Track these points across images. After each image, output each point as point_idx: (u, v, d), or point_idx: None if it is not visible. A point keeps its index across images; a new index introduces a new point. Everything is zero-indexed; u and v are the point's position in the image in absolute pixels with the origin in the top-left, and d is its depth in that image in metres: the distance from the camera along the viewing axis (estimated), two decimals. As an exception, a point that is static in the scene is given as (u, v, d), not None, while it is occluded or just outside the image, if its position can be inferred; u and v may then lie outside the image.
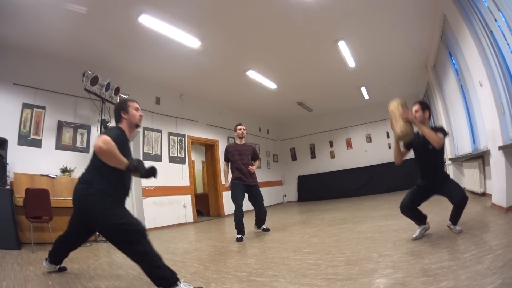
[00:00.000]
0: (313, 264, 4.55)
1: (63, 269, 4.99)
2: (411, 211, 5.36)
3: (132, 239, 3.90)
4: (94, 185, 4.02)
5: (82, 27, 8.17)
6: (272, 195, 19.70)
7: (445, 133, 5.11)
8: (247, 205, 8.17)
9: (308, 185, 20.63)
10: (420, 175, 5.49)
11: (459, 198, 5.00)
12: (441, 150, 5.20)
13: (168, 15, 8.01)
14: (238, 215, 7.68)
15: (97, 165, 4.03)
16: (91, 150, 9.24)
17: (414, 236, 5.24)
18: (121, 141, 4.13)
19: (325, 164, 20.60)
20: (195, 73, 11.92)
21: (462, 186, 10.80)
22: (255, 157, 8.57)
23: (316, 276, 3.94)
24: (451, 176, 11.68)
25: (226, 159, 8.44)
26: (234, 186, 8.04)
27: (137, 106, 4.64)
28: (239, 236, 7.50)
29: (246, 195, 8.19)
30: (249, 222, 8.48)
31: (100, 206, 3.95)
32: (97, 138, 3.84)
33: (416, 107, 5.41)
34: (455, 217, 5.19)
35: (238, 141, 8.49)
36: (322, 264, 4.48)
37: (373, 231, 6.48)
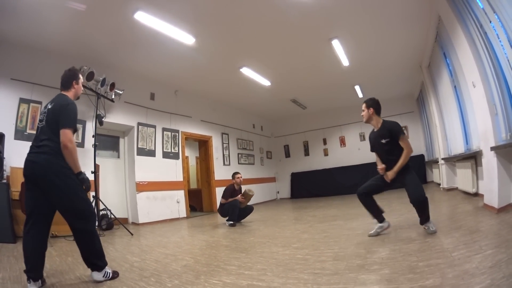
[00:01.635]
0: (301, 259, 4.60)
1: (44, 282, 4.10)
2: (365, 198, 5.80)
3: (90, 218, 4.25)
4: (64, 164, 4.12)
5: (79, 24, 8.18)
6: (265, 191, 19.75)
7: (403, 134, 5.56)
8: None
9: (301, 182, 20.66)
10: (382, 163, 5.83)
11: (415, 198, 5.26)
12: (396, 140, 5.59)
13: (164, 12, 8.02)
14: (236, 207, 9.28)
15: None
16: (86, 145, 9.31)
17: (370, 232, 5.65)
18: (76, 115, 4.41)
19: (318, 162, 20.62)
20: (189, 69, 11.93)
21: (455, 186, 10.85)
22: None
23: (303, 271, 4.00)
24: (444, 177, 11.78)
25: (226, 197, 9.92)
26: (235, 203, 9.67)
27: (82, 80, 4.99)
28: (232, 222, 8.91)
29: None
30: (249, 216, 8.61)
31: (74, 180, 4.15)
32: (65, 134, 4.05)
33: (362, 107, 5.94)
34: (420, 217, 5.41)
35: (236, 187, 10.19)
36: (310, 259, 4.54)
37: (363, 228, 6.51)
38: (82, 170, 4.27)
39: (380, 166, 5.84)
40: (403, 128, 5.35)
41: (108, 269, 4.28)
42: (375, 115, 5.81)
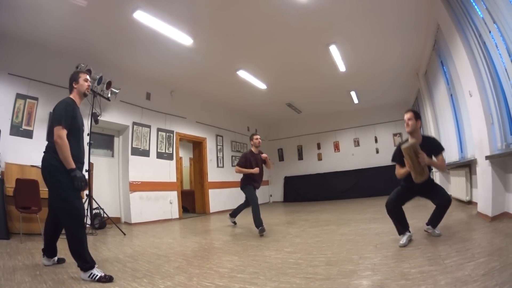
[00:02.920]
0: (293, 263, 4.60)
1: (62, 261, 5.10)
2: (396, 210, 5.35)
3: (70, 219, 4.34)
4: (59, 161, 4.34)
5: (78, 21, 8.17)
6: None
7: (443, 150, 5.41)
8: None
9: (295, 186, 20.67)
10: (406, 179, 5.45)
11: (443, 199, 5.17)
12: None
13: (163, 12, 8.03)
14: (258, 210, 8.04)
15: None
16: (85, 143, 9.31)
17: (401, 242, 5.09)
18: (72, 109, 4.77)
19: (312, 166, 20.65)
20: (186, 70, 11.95)
21: (449, 193, 10.90)
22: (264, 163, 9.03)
23: (295, 275, 4.00)
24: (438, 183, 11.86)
25: (244, 165, 8.72)
26: (251, 189, 8.66)
27: (87, 77, 5.08)
28: (262, 226, 7.75)
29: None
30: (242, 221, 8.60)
31: (62, 180, 4.33)
32: (54, 131, 4.35)
33: (409, 115, 5.45)
34: (435, 220, 5.35)
35: (254, 150, 8.94)
36: (302, 264, 4.53)
37: (355, 234, 6.53)
38: (78, 174, 4.37)
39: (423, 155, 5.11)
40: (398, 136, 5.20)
41: (97, 272, 4.25)
42: (419, 129, 5.54)
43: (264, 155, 8.86)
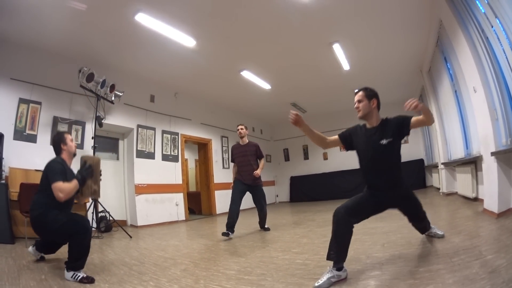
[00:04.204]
0: (301, 264, 4.58)
1: (43, 259, 5.48)
2: (345, 225, 4.20)
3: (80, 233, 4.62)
4: (44, 206, 4.72)
5: (80, 25, 8.18)
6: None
7: (410, 117, 4.20)
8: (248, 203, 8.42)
9: (301, 186, 20.68)
10: (369, 183, 4.53)
11: (421, 211, 4.66)
12: (398, 146, 4.30)
13: (165, 14, 8.02)
14: (230, 208, 7.86)
15: (48, 188, 4.65)
16: (86, 146, 9.30)
17: (316, 284, 3.57)
18: (66, 169, 4.94)
19: (318, 165, 20.64)
20: (189, 72, 11.95)
21: (455, 190, 10.82)
22: (259, 155, 8.62)
23: (303, 276, 3.99)
24: (444, 182, 11.75)
25: (232, 160, 8.72)
26: (234, 183, 8.35)
27: (71, 137, 5.35)
28: (226, 231, 7.59)
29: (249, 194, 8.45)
30: (248, 221, 8.58)
31: (51, 218, 4.65)
32: (53, 188, 4.57)
33: (358, 96, 4.65)
34: (423, 228, 4.99)
35: (240, 142, 8.70)
36: (310, 264, 4.52)
37: (362, 233, 6.48)
38: (78, 176, 4.93)
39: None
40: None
41: (80, 273, 4.48)
42: (377, 110, 4.49)
43: (255, 172, 8.23)
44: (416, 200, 4.58)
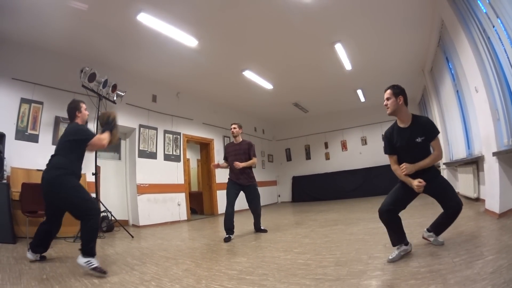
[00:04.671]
0: (303, 264, 4.58)
1: (44, 258, 5.56)
2: (391, 216, 4.50)
3: (96, 208, 5.29)
4: (68, 169, 5.16)
5: (81, 24, 8.21)
6: (266, 195, 19.65)
7: (438, 132, 4.54)
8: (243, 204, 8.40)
9: (303, 185, 20.66)
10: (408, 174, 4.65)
11: (454, 203, 4.43)
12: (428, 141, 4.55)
13: (166, 14, 8.04)
14: (227, 211, 7.80)
15: (71, 154, 5.30)
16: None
17: (390, 257, 4.31)
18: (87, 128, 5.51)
19: (319, 165, 20.62)
20: (192, 71, 11.97)
21: (456, 190, 10.80)
22: (251, 154, 8.43)
23: (305, 276, 3.98)
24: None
25: (225, 158, 8.57)
26: (228, 184, 8.23)
27: (85, 106, 5.78)
28: (227, 235, 7.57)
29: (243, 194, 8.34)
30: (250, 221, 8.61)
31: (71, 184, 5.09)
32: (96, 140, 5.29)
33: (386, 94, 4.78)
34: (441, 227, 4.74)
35: (234, 141, 8.56)
36: (312, 264, 4.52)
37: (364, 233, 6.53)
38: (108, 128, 5.57)
39: (403, 167, 4.59)
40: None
41: (94, 262, 4.75)
42: (405, 107, 4.67)
43: (236, 163, 8.04)
44: (446, 181, 4.73)
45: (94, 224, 5.00)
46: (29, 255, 5.31)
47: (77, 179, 5.32)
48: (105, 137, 5.34)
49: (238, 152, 8.32)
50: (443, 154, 11.62)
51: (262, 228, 8.50)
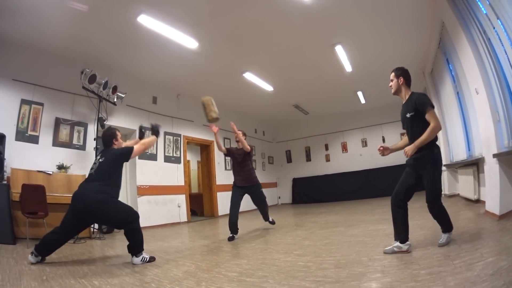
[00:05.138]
0: (303, 266, 4.57)
1: (43, 259, 5.48)
2: (400, 209, 4.83)
3: (135, 215, 5.73)
4: (111, 194, 5.54)
5: (82, 26, 8.21)
6: (267, 196, 19.39)
7: (431, 105, 4.73)
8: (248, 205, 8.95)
9: (303, 187, 20.64)
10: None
11: (428, 198, 4.73)
12: (422, 118, 4.78)
13: (167, 16, 8.04)
14: (231, 212, 7.97)
15: (113, 179, 5.68)
16: (87, 147, 9.32)
17: (385, 249, 4.80)
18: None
19: (320, 167, 20.61)
20: (192, 73, 11.97)
21: (457, 192, 10.76)
22: (248, 153, 8.60)
23: (305, 278, 3.96)
24: (446, 184, 11.71)
25: (226, 153, 8.70)
26: (232, 189, 8.42)
27: (120, 134, 6.17)
28: (231, 235, 7.74)
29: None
30: (249, 223, 8.61)
31: (114, 203, 5.57)
32: (138, 148, 5.96)
33: (391, 76, 5.33)
34: (440, 224, 4.88)
35: (237, 145, 8.76)
36: (312, 267, 4.50)
37: (364, 235, 6.51)
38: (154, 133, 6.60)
39: (386, 146, 5.35)
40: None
41: (145, 254, 5.63)
42: (405, 86, 5.14)
43: (232, 123, 8.72)
44: (433, 179, 4.75)
45: (139, 227, 5.70)
46: (31, 258, 5.26)
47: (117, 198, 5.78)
48: (147, 141, 6.24)
49: (238, 152, 8.51)
50: (443, 155, 11.63)
51: (270, 219, 8.95)
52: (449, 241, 4.69)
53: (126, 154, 5.78)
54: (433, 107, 4.74)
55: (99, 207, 5.36)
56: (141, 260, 5.44)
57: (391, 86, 5.30)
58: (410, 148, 4.73)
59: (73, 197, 5.45)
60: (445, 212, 4.78)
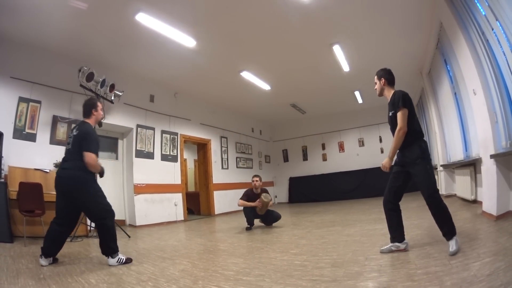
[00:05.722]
0: (299, 265, 4.58)
1: (56, 260, 5.41)
2: (392, 211, 4.84)
3: (112, 211, 5.60)
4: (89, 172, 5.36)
5: (80, 24, 8.20)
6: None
7: (402, 104, 4.68)
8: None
9: (300, 186, 20.70)
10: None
11: (426, 196, 4.57)
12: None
13: (165, 14, 8.04)
14: (245, 212, 9.24)
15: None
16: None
17: (382, 248, 4.84)
18: (98, 140, 5.55)
19: (317, 167, 20.64)
20: (189, 72, 11.97)
21: (454, 192, 10.76)
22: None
23: (301, 277, 3.97)
24: (443, 184, 11.72)
25: (244, 198, 9.44)
26: (245, 211, 9.36)
27: (101, 106, 5.95)
28: (248, 225, 8.88)
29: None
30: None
31: (94, 188, 5.45)
32: (89, 156, 5.23)
33: (375, 79, 5.40)
34: (440, 228, 4.53)
35: (254, 190, 9.56)
36: (308, 266, 4.51)
37: (361, 235, 6.52)
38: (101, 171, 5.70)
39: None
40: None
41: (121, 256, 5.41)
42: (387, 86, 5.18)
43: (258, 203, 9.19)
44: (426, 172, 4.58)
45: (113, 224, 5.54)
46: (42, 261, 5.18)
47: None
48: (97, 163, 5.40)
49: (257, 198, 9.22)
50: (440, 155, 11.66)
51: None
52: (459, 246, 4.23)
53: (84, 146, 5.28)
54: (405, 107, 4.70)
55: (77, 188, 5.27)
56: (116, 261, 5.28)
57: (376, 89, 5.38)
58: (386, 162, 4.79)
59: (55, 178, 5.42)
60: (446, 208, 4.55)
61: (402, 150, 4.79)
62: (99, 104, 5.82)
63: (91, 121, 5.71)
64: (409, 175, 4.75)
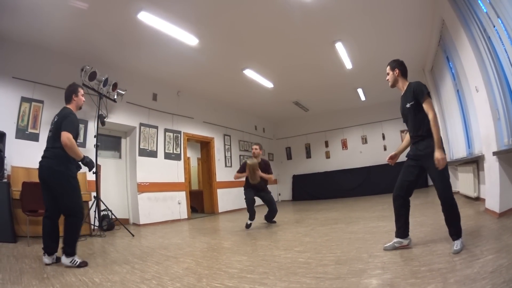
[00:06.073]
0: (303, 263, 4.57)
1: (59, 259, 5.25)
2: (403, 202, 4.79)
3: (82, 212, 5.52)
4: (71, 163, 5.46)
5: (82, 23, 8.20)
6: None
7: (428, 93, 4.68)
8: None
9: (303, 184, 20.70)
10: (410, 138, 5.06)
11: (440, 195, 4.55)
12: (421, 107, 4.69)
13: (167, 12, 8.04)
14: (248, 202, 8.91)
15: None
16: (88, 145, 9.32)
17: (385, 245, 4.83)
18: (77, 123, 5.60)
19: (320, 164, 20.63)
20: (192, 70, 11.97)
21: (456, 190, 10.73)
22: (268, 171, 9.29)
23: (305, 275, 3.97)
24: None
25: (240, 170, 9.28)
26: (246, 190, 9.18)
27: (83, 92, 5.97)
28: (247, 222, 8.80)
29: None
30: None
31: (72, 184, 5.40)
32: (64, 134, 5.19)
33: (386, 69, 5.43)
34: (448, 226, 4.45)
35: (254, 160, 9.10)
36: (312, 263, 4.51)
37: (364, 232, 6.50)
38: (86, 160, 5.61)
39: (391, 154, 5.24)
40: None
41: (77, 258, 5.15)
42: (401, 77, 5.20)
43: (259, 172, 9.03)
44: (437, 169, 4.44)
45: (80, 225, 5.48)
46: (45, 259, 5.20)
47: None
48: (75, 145, 5.35)
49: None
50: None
51: (273, 220, 9.34)
52: (463, 247, 4.20)
53: (62, 128, 5.27)
54: (430, 96, 4.70)
55: (55, 182, 5.32)
56: (70, 262, 5.04)
57: (388, 79, 5.35)
58: (441, 153, 4.37)
59: (38, 168, 5.51)
60: (457, 209, 4.45)
61: (415, 143, 4.80)
62: (80, 89, 5.88)
63: (71, 106, 5.79)
64: (422, 169, 4.76)
